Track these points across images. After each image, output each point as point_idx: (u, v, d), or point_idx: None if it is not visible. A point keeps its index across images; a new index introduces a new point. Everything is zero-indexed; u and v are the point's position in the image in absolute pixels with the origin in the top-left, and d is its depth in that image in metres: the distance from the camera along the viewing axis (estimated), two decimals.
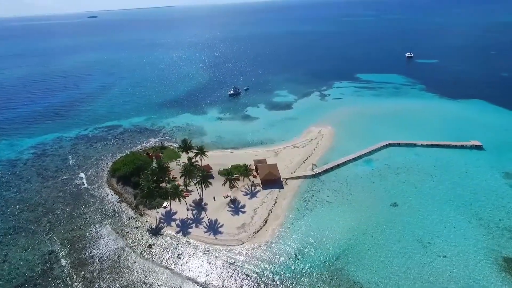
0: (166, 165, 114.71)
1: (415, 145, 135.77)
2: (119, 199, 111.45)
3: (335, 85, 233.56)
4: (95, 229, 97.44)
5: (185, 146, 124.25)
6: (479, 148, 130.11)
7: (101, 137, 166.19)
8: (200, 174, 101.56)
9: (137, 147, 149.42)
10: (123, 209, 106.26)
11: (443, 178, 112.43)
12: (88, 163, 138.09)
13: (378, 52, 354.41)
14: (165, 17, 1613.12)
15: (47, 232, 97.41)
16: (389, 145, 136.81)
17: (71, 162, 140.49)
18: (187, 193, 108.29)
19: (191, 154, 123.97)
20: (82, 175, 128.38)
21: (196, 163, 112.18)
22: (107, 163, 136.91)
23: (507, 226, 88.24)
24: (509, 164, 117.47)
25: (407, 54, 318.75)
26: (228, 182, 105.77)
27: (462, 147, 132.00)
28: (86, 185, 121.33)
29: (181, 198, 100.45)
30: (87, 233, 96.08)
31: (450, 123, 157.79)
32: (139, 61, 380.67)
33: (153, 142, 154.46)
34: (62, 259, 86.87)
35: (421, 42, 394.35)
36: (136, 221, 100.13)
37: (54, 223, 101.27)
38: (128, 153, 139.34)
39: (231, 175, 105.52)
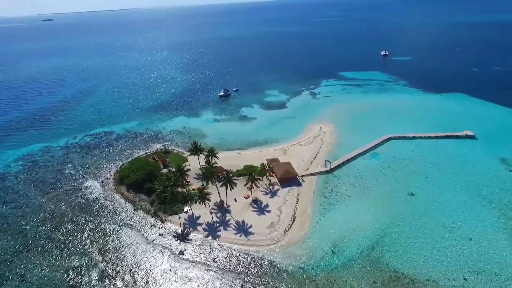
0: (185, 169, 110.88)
1: (413, 137, 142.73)
2: (134, 207, 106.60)
3: (323, 84, 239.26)
4: (116, 240, 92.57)
5: (196, 149, 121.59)
6: (472, 137, 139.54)
7: (95, 144, 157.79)
8: (225, 176, 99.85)
9: (139, 153, 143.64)
10: (142, 217, 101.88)
11: (447, 166, 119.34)
12: (89, 172, 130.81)
13: (354, 51, 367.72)
14: (128, 20, 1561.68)
15: (62, 248, 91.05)
16: (390, 138, 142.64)
17: (69, 172, 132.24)
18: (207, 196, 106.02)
19: (201, 157, 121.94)
20: (91, 183, 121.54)
21: (215, 165, 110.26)
22: (110, 171, 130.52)
23: None
24: (502, 150, 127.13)
25: (382, 52, 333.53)
26: (248, 183, 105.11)
27: (457, 137, 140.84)
28: (94, 195, 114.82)
29: (202, 202, 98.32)
30: (109, 245, 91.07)
31: (438, 115, 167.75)
32: (114, 65, 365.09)
33: (154, 147, 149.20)
34: (87, 275, 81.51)
35: (392, 41, 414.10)
36: (159, 228, 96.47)
37: (68, 237, 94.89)
38: (133, 159, 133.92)
39: (252, 175, 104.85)
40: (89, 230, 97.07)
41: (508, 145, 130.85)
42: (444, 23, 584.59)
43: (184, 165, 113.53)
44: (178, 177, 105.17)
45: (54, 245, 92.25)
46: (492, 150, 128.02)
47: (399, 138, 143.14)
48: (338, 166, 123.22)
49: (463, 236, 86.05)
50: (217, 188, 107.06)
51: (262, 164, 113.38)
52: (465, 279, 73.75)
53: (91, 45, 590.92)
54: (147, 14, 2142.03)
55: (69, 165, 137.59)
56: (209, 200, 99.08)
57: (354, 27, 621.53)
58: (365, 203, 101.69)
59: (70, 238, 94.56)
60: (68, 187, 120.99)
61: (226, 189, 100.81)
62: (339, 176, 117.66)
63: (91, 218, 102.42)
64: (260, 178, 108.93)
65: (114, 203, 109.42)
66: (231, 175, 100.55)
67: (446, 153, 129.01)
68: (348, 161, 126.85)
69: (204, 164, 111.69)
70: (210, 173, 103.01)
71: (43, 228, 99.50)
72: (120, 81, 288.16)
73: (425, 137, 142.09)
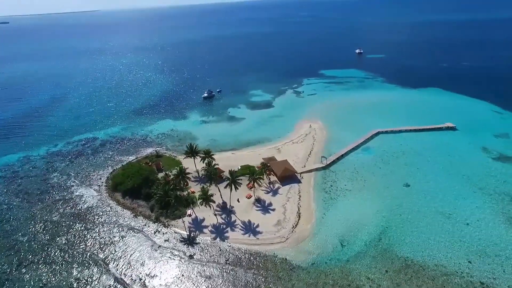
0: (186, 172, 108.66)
1: (400, 131, 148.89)
2: (133, 214, 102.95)
3: (305, 82, 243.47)
4: (122, 248, 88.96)
5: (192, 151, 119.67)
6: (453, 129, 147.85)
7: (79, 151, 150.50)
8: (229, 177, 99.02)
9: (129, 158, 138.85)
10: (143, 223, 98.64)
11: (435, 157, 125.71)
12: (78, 181, 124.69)
13: (330, 50, 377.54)
14: (92, 22, 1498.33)
15: (64, 260, 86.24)
16: (378, 133, 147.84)
17: (56, 181, 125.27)
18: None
19: (197, 159, 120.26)
20: (83, 192, 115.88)
21: (216, 166, 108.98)
22: (101, 178, 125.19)
23: (504, 191, 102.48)
24: (482, 140, 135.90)
25: (357, 51, 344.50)
26: (250, 182, 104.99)
27: (439, 129, 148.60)
28: (88, 204, 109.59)
29: (207, 204, 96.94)
30: (115, 254, 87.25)
31: (418, 109, 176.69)
32: (86, 69, 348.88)
33: (145, 151, 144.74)
34: (96, 286, 77.99)
35: (364, 39, 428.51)
36: (164, 233, 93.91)
37: (67, 249, 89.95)
38: (124, 165, 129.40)
39: (255, 175, 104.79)
40: (91, 239, 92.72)
41: (486, 135, 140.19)
42: (411, 22, 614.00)
43: (184, 169, 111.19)
44: (179, 180, 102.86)
45: (53, 257, 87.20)
46: (473, 140, 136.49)
47: (386, 132, 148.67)
48: (334, 162, 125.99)
49: (461, 222, 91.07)
50: (218, 189, 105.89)
51: (262, 163, 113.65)
52: (469, 261, 78.14)
53: (57, 48, 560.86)
54: (111, 17, 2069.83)
55: (54, 174, 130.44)
56: (214, 202, 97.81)
57: (326, 27, 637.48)
58: (365, 196, 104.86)
59: (71, 249, 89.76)
60: (58, 197, 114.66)
61: (231, 189, 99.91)
62: (336, 171, 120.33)
63: (90, 227, 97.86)
64: (262, 177, 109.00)
65: (112, 211, 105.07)
66: (234, 176, 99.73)
67: (432, 144, 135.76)
68: (342, 156, 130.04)
69: (205, 166, 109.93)
70: (213, 174, 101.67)
71: (38, 241, 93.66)
72: (96, 85, 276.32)
73: (410, 130, 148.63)
